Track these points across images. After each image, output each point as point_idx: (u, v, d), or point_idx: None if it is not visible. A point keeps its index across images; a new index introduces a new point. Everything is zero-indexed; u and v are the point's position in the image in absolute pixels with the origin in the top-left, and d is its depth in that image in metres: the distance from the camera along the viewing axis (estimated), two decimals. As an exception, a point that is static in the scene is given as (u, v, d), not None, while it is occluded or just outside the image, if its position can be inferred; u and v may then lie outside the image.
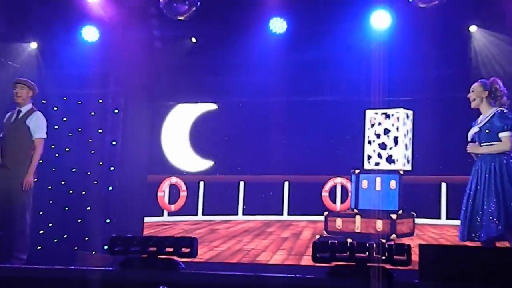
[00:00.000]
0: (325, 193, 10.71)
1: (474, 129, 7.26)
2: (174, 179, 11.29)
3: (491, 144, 7.11)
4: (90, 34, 10.43)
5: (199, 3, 9.32)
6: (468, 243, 7.32)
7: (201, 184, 11.20)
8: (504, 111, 7.16)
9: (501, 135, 7.08)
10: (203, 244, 10.26)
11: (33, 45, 10.98)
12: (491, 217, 6.92)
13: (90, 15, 10.05)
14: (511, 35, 9.47)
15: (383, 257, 5.57)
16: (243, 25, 10.02)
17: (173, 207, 11.27)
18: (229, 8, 9.81)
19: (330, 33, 9.81)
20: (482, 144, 7.17)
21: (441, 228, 10.14)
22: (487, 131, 7.14)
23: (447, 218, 10.13)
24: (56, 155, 10.92)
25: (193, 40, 10.64)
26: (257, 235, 10.83)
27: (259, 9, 9.65)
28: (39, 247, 10.44)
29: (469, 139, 7.33)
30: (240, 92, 10.87)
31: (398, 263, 5.58)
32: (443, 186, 10.21)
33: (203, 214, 11.13)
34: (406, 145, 10.41)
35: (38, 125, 8.51)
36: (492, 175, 7.02)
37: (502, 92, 7.26)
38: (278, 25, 9.96)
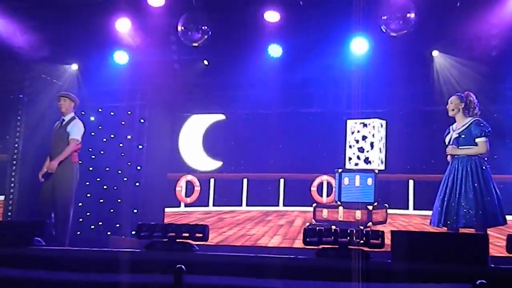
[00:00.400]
0: (313, 188, 10.70)
1: (453, 135, 7.21)
2: (189, 177, 11.27)
3: (468, 148, 7.09)
4: (121, 57, 10.37)
5: (210, 32, 9.29)
6: (432, 229, 7.31)
7: (212, 180, 11.18)
8: (480, 120, 7.16)
9: (477, 140, 7.05)
10: (213, 230, 10.23)
11: (74, 66, 10.96)
12: (469, 209, 6.89)
13: (121, 42, 10.01)
14: (466, 58, 9.45)
15: (361, 241, 5.54)
16: (246, 50, 9.97)
17: (188, 200, 11.25)
18: (235, 36, 9.76)
19: (318, 56, 9.76)
20: (460, 147, 7.13)
21: (409, 217, 10.13)
22: (463, 136, 7.12)
23: (414, 209, 10.13)
24: (93, 157, 10.92)
25: (205, 62, 10.58)
26: (258, 222, 10.81)
27: (259, 37, 9.61)
28: (78, 233, 10.45)
29: (446, 142, 7.28)
30: (244, 105, 10.87)
31: (374, 246, 5.54)
32: (411, 182, 10.21)
33: (213, 206, 11.12)
34: (380, 149, 10.39)
35: (73, 128, 8.42)
36: (469, 173, 6.99)
37: (475, 104, 7.25)
38: (275, 50, 9.89)
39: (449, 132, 7.32)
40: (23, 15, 9.48)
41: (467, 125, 7.15)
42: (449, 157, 7.26)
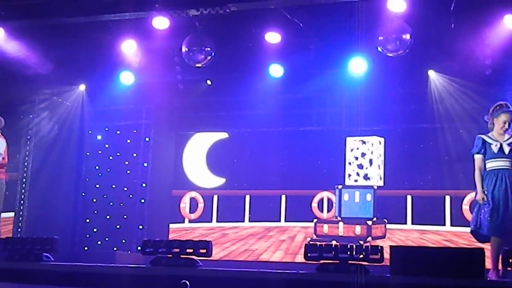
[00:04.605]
0: (314, 204, 10.66)
1: (505, 146, 6.68)
2: (193, 193, 11.25)
3: None
4: (126, 78, 10.33)
5: (213, 53, 9.31)
6: (430, 243, 7.27)
7: (215, 197, 11.14)
8: None
9: None
10: (217, 246, 10.16)
11: (82, 87, 11.00)
12: None
13: (127, 63, 10.03)
14: (461, 77, 9.48)
15: (361, 256, 5.56)
16: (248, 70, 9.99)
17: (192, 216, 11.21)
18: (237, 56, 9.79)
19: (318, 76, 9.80)
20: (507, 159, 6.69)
21: (407, 232, 10.09)
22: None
23: (412, 223, 10.09)
24: (100, 174, 10.95)
25: (209, 82, 10.59)
26: (260, 238, 10.78)
27: (261, 58, 9.63)
28: (86, 248, 10.46)
29: (495, 151, 6.69)
30: (246, 123, 10.88)
31: (373, 260, 5.56)
32: (409, 198, 10.16)
33: (216, 221, 11.08)
34: (378, 166, 10.39)
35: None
36: None
37: None
38: (276, 70, 9.87)
39: (484, 141, 6.74)
40: (32, 38, 9.53)
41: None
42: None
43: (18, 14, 9.21)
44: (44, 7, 8.96)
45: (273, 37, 9.22)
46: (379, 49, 8.75)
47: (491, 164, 6.75)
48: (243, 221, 10.95)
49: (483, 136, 6.85)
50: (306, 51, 9.48)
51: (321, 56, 9.48)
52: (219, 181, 11.18)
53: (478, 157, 6.80)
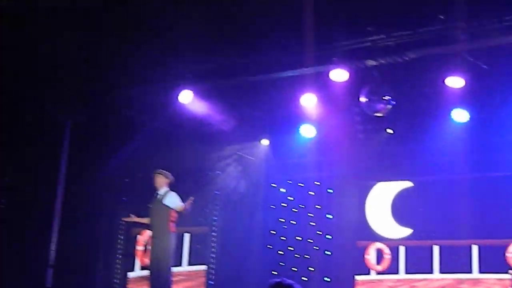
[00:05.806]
0: (509, 254, 10.03)
1: None
2: (379, 244, 11.06)
3: None
4: (307, 130, 10.53)
5: (393, 102, 9.19)
6: None
7: (402, 248, 10.88)
8: None
9: None
10: (407, 299, 9.91)
11: (264, 142, 11.35)
12: None
13: (307, 116, 10.20)
14: None
15: None
16: (430, 116, 9.83)
17: (379, 267, 11.00)
18: (417, 103, 9.64)
19: (504, 118, 9.39)
20: None
21: None
22: None
23: None
24: (284, 226, 11.15)
25: (389, 131, 10.46)
26: (451, 291, 10.34)
27: (443, 103, 9.39)
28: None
29: None
30: (431, 171, 10.60)
31: None
32: None
33: (404, 273, 10.79)
34: None
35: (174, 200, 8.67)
36: None
37: None
38: (460, 115, 9.55)
39: None
40: (217, 97, 10.01)
41: None
42: None
43: (204, 76, 9.75)
44: (227, 68, 9.42)
45: (455, 81, 8.93)
46: None
47: None
48: (433, 272, 10.56)
49: None
50: (492, 93, 9.11)
51: (508, 97, 9.04)
52: (406, 231, 10.92)
53: None
